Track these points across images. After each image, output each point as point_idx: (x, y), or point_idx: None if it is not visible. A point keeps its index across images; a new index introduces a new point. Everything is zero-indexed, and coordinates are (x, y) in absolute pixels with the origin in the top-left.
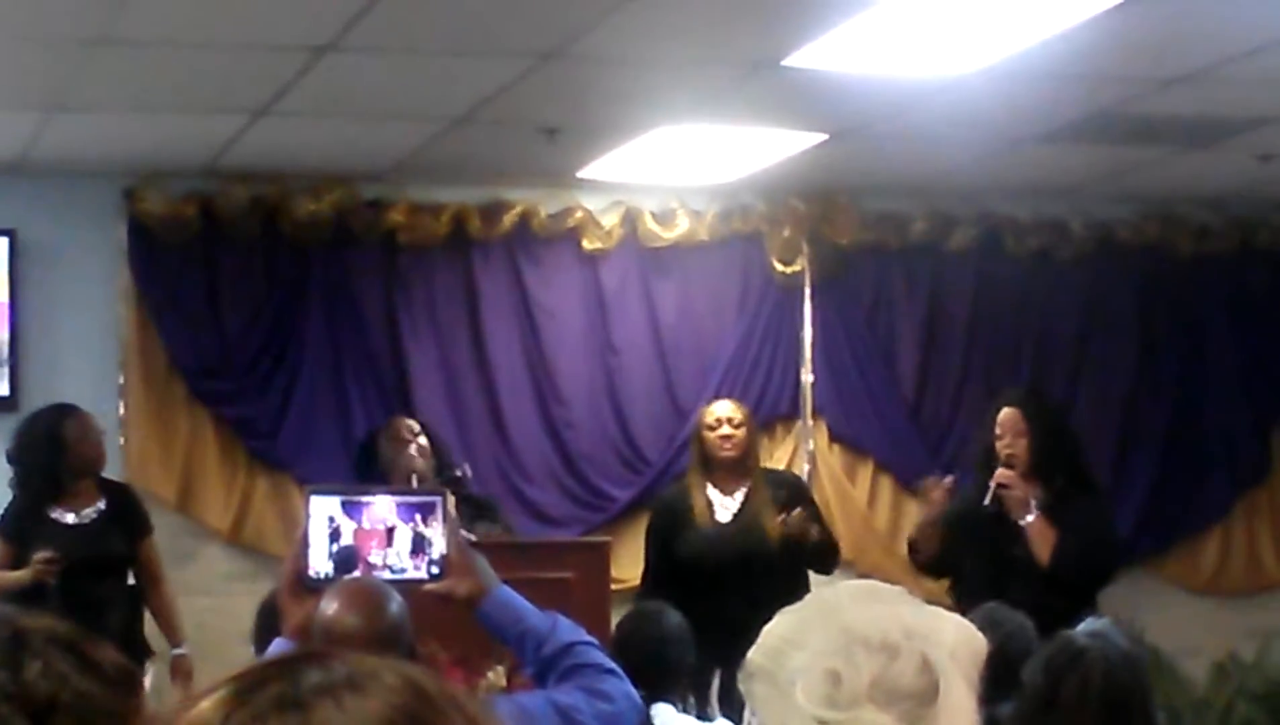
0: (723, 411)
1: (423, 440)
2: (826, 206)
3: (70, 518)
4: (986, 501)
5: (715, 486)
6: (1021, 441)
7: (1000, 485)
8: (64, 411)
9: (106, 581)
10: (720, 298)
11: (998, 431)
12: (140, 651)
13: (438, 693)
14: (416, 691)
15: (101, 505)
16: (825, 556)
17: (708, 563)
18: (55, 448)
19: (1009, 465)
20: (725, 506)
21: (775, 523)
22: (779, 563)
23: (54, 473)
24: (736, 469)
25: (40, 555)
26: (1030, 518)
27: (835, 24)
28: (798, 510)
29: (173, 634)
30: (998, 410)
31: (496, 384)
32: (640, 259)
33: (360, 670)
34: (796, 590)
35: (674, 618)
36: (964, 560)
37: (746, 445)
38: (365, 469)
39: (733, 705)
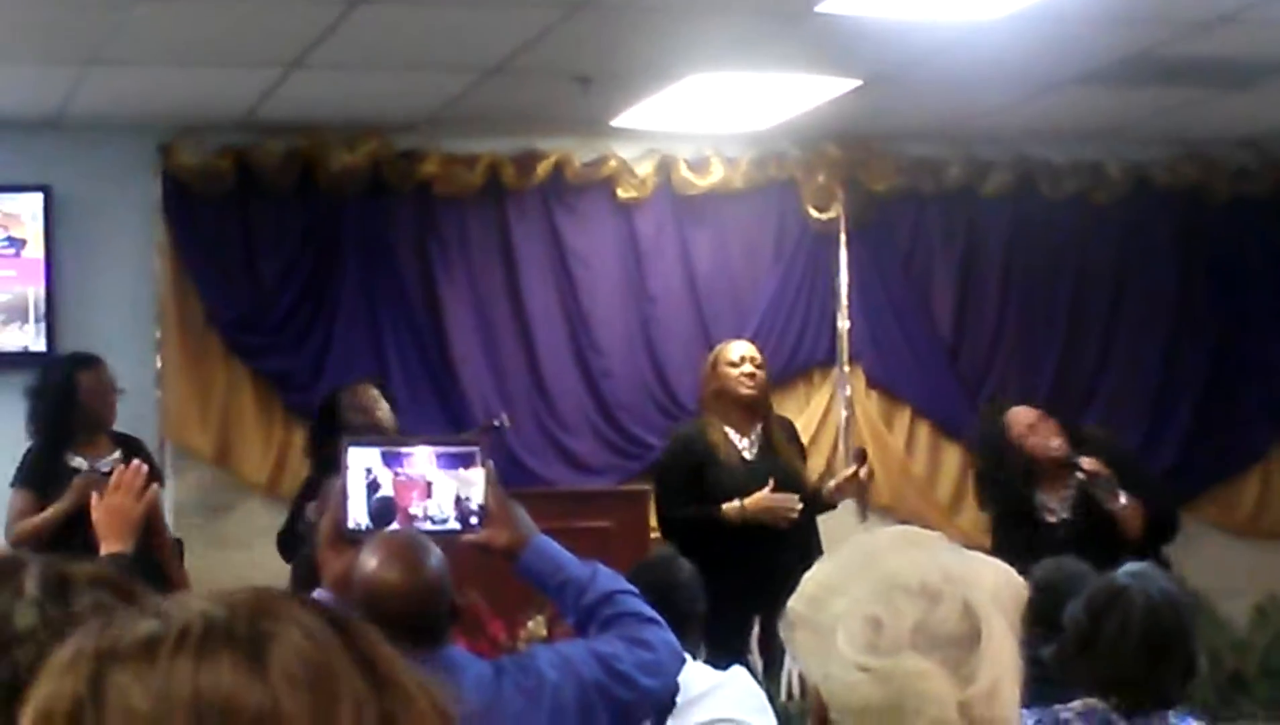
0: (745, 350)
1: (383, 412)
2: (861, 152)
3: (89, 465)
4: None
5: (730, 426)
6: (1056, 439)
7: (1090, 473)
8: (80, 362)
9: None
10: (755, 245)
11: (1022, 431)
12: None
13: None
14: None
15: (117, 455)
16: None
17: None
18: (68, 397)
19: (1070, 461)
20: (745, 445)
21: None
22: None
23: (67, 421)
24: (753, 408)
25: (81, 475)
26: (1124, 501)
27: None
28: (843, 476)
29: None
30: (999, 415)
31: (533, 334)
32: (675, 207)
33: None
34: (811, 534)
35: (684, 565)
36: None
37: (766, 385)
38: (323, 431)
39: (772, 651)
